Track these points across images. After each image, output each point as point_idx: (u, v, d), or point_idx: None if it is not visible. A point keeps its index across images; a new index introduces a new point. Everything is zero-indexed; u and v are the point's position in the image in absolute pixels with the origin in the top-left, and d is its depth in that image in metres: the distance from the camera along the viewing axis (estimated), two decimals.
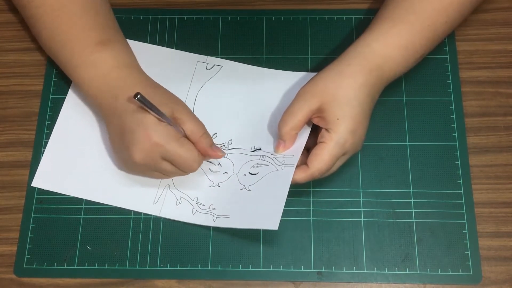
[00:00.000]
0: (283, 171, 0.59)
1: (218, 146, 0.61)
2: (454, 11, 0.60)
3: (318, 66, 0.67)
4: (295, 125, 0.58)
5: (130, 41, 0.67)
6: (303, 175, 0.57)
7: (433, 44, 0.61)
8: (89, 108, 0.66)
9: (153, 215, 0.62)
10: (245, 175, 0.61)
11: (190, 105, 0.65)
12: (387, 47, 0.58)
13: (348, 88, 0.56)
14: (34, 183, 0.63)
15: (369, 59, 0.58)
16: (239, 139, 0.64)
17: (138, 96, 0.52)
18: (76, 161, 0.64)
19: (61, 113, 0.66)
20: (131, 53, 0.62)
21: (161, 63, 0.68)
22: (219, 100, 0.66)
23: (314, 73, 0.62)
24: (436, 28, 0.59)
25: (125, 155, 0.58)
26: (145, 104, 0.53)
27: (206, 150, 0.58)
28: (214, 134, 0.64)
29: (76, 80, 0.61)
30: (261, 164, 0.61)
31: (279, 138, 0.59)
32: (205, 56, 0.68)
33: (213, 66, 0.68)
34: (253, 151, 0.63)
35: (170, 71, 0.67)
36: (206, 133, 0.59)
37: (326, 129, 0.56)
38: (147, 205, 0.62)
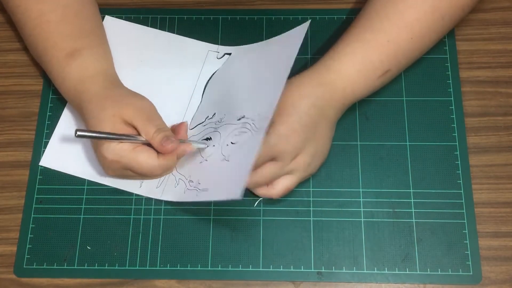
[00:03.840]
0: (254, 137, 0.57)
1: (213, 122, 0.62)
2: (422, 28, 0.59)
3: None
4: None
5: (143, 27, 0.69)
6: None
7: (399, 60, 0.60)
8: None
9: (156, 199, 0.62)
10: (227, 145, 0.60)
11: (198, 93, 0.66)
12: (340, 63, 0.59)
13: (289, 97, 0.57)
14: (42, 162, 0.64)
15: (321, 73, 0.59)
16: (231, 111, 0.62)
17: (77, 134, 0.54)
18: (83, 144, 0.64)
19: None
20: (102, 59, 0.62)
21: (173, 50, 0.68)
22: (227, 88, 0.65)
23: (301, 25, 0.61)
24: (398, 44, 0.59)
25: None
26: (88, 137, 0.55)
27: (159, 147, 0.57)
28: (214, 114, 0.64)
29: (54, 84, 0.63)
30: (242, 132, 0.59)
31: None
32: (216, 45, 0.68)
33: (224, 55, 0.68)
34: (239, 119, 0.61)
35: (181, 59, 0.68)
36: (158, 129, 0.56)
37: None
38: (150, 188, 0.62)
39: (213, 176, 0.59)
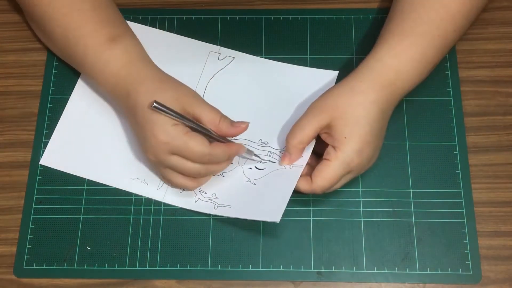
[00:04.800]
0: (291, 170, 0.60)
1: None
2: (462, 19, 0.59)
3: (317, 66, 0.67)
4: (302, 139, 0.57)
5: (145, 27, 0.69)
6: (306, 187, 0.57)
7: (444, 54, 0.61)
8: (100, 92, 0.67)
9: (156, 200, 0.62)
10: (250, 168, 0.62)
11: (200, 94, 0.65)
12: (400, 61, 0.57)
13: (358, 106, 0.56)
14: (42, 162, 0.64)
15: (381, 74, 0.57)
16: (246, 130, 0.64)
17: (154, 105, 0.54)
18: (83, 143, 0.64)
19: (73, 95, 0.67)
20: (140, 46, 0.62)
21: (174, 50, 0.68)
22: (229, 91, 0.66)
23: (329, 71, 0.64)
24: (446, 37, 0.59)
25: (142, 151, 0.60)
26: (162, 111, 0.54)
27: (228, 131, 0.57)
28: None
29: (92, 77, 0.62)
30: (268, 160, 0.62)
31: (286, 150, 0.59)
32: (218, 47, 0.68)
33: (225, 57, 0.68)
34: (260, 144, 0.63)
35: (182, 59, 0.68)
36: (222, 116, 0.57)
37: (333, 147, 0.56)
38: (151, 190, 0.62)
39: (235, 195, 0.61)
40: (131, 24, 0.69)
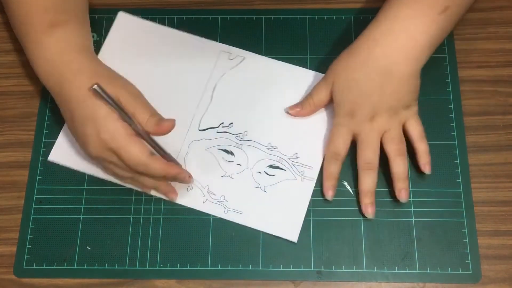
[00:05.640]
0: (303, 184, 0.61)
1: (233, 135, 0.63)
2: None
3: (317, 66, 0.67)
4: (316, 99, 0.62)
5: (155, 25, 0.69)
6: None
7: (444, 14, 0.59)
8: None
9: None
10: (259, 172, 0.62)
11: (208, 93, 0.66)
12: (392, 10, 0.60)
13: (344, 68, 0.61)
14: (50, 158, 0.64)
15: (372, 30, 0.61)
16: (255, 132, 0.64)
17: (95, 87, 0.51)
18: None
19: None
20: (85, 36, 0.60)
21: (184, 48, 0.68)
22: (238, 91, 0.66)
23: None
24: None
25: (81, 145, 0.58)
26: (101, 96, 0.52)
27: (154, 130, 0.55)
28: (230, 123, 0.64)
29: (30, 63, 0.60)
30: (278, 167, 0.62)
31: (299, 103, 0.64)
32: (229, 46, 0.68)
33: (236, 56, 0.68)
34: (269, 148, 0.63)
35: (193, 58, 0.67)
36: (152, 115, 0.55)
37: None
38: None
39: (245, 200, 0.61)
40: (142, 21, 0.69)
